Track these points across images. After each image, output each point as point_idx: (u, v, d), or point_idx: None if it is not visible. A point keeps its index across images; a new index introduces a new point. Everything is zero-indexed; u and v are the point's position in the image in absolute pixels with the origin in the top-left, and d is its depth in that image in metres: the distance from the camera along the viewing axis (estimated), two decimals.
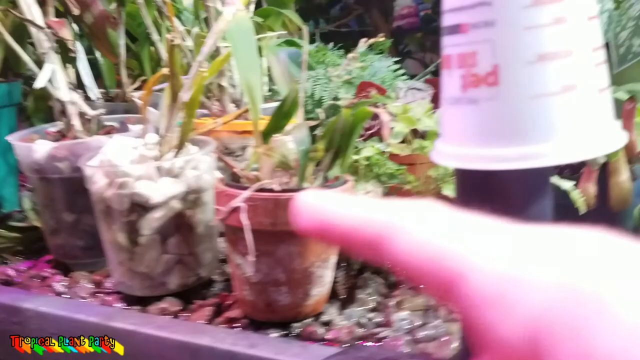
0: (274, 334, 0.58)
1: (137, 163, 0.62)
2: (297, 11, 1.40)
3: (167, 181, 0.62)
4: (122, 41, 1.11)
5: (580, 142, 0.36)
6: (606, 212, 0.75)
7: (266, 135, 0.59)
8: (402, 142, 0.71)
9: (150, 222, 0.62)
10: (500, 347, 0.14)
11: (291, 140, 0.55)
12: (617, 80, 0.88)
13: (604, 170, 0.74)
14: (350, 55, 0.57)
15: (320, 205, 0.20)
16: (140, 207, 0.62)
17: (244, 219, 0.52)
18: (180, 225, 0.64)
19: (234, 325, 0.61)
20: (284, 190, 0.53)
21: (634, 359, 0.12)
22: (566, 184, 0.60)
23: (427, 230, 0.16)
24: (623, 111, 0.77)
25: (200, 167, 0.65)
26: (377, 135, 0.87)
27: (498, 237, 0.16)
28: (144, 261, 0.64)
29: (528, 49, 0.35)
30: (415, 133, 0.70)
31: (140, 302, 0.67)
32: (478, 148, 0.38)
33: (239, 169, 0.56)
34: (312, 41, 1.37)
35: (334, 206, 0.19)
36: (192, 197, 0.64)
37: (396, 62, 1.12)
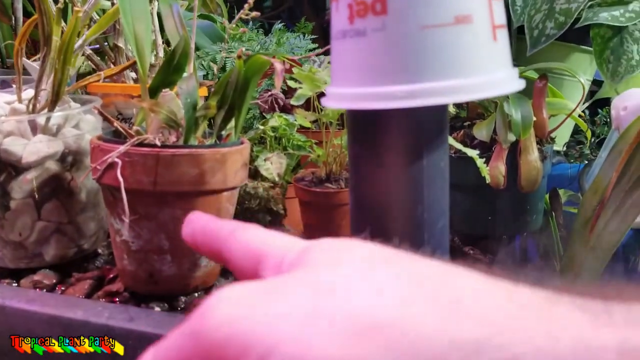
0: (157, 308, 0.53)
1: (7, 117, 0.55)
2: (230, 2, 1.36)
3: (42, 139, 0.55)
4: (19, 5, 1.02)
5: (473, 81, 0.33)
6: (516, 193, 0.74)
7: (154, 90, 0.53)
8: (309, 109, 0.67)
9: (22, 185, 0.56)
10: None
11: (180, 94, 0.50)
12: (530, 62, 0.87)
13: (515, 152, 0.73)
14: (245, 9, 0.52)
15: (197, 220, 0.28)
16: (10, 166, 0.55)
17: (120, 176, 0.47)
18: (57, 190, 0.58)
19: (114, 299, 0.55)
20: (165, 146, 0.48)
21: None
22: (471, 152, 0.58)
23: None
24: (534, 89, 0.76)
25: (82, 126, 0.59)
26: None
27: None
28: (16, 228, 0.57)
29: None
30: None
31: (14, 275, 0.60)
32: (366, 86, 0.34)
33: (120, 124, 0.51)
34: (231, 20, 1.33)
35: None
36: (71, 159, 0.58)
37: (313, 41, 1.09)
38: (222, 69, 0.93)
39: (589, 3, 0.86)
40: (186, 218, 0.29)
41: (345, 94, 0.35)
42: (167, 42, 0.81)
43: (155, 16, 0.68)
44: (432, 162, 0.37)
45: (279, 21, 1.18)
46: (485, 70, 0.34)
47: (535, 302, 0.16)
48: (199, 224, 0.28)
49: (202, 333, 0.17)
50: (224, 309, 0.17)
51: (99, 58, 0.83)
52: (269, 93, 0.90)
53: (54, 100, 0.54)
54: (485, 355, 0.14)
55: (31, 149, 0.55)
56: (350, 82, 0.35)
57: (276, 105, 0.88)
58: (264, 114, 0.86)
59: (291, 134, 0.71)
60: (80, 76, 0.85)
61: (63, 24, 0.61)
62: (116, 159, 0.47)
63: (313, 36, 1.10)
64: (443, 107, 0.37)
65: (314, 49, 1.07)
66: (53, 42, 0.51)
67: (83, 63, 0.88)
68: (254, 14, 0.52)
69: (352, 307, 0.16)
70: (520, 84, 0.36)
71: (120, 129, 0.50)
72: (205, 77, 0.95)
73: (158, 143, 0.48)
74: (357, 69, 0.35)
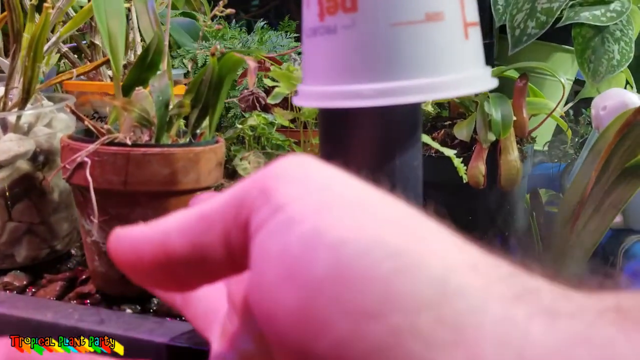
0: (129, 310, 0.52)
1: None
2: (214, 1, 1.36)
3: (13, 138, 0.54)
4: None
5: (444, 79, 0.33)
6: (497, 192, 0.74)
7: (127, 88, 0.52)
8: (287, 107, 0.66)
9: None
10: None
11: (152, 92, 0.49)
12: (512, 62, 0.87)
13: (495, 151, 0.73)
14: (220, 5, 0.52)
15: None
16: None
17: (89, 176, 0.46)
18: (29, 190, 0.56)
19: (85, 301, 0.54)
20: (136, 145, 0.47)
21: None
22: (448, 151, 0.58)
23: None
24: (515, 89, 0.76)
25: (55, 125, 0.58)
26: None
27: None
28: None
29: None
30: None
31: None
32: (336, 85, 0.34)
33: (91, 123, 0.50)
34: (213, 18, 1.31)
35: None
36: (43, 158, 0.56)
37: (297, 39, 1.08)
38: (202, 66, 0.92)
39: (570, 2, 0.85)
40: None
41: (315, 92, 0.35)
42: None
43: (134, 14, 0.67)
44: (405, 161, 0.37)
45: (262, 19, 1.17)
46: (457, 68, 0.33)
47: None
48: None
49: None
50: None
51: (75, 56, 0.81)
52: (249, 91, 0.89)
53: (25, 98, 0.52)
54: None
55: (1, 147, 0.54)
56: (320, 80, 0.35)
57: (257, 105, 0.88)
58: (243, 113, 0.85)
59: (270, 133, 0.71)
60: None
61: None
62: (85, 158, 0.46)
63: (297, 34, 1.09)
64: (415, 106, 0.37)
65: (297, 47, 1.06)
66: (23, 38, 0.50)
67: (62, 61, 0.86)
68: (229, 10, 0.51)
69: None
70: (493, 83, 0.35)
71: (92, 128, 0.49)
72: (186, 75, 0.94)
73: (129, 142, 0.47)
74: (328, 67, 0.34)
